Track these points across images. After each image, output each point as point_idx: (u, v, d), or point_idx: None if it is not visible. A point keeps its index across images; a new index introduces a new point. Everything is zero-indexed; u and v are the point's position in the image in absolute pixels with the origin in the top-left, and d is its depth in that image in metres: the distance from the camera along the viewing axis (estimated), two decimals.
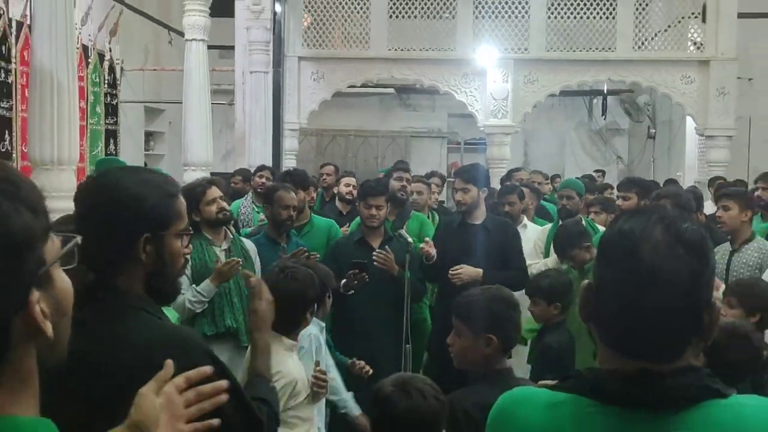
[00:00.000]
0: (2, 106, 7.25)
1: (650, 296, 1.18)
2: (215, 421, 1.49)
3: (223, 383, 1.52)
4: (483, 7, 10.33)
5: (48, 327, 0.92)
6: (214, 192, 4.16)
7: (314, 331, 3.41)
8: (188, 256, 1.92)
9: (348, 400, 3.68)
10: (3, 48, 7.25)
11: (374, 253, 4.56)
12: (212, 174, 6.47)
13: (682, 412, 1.18)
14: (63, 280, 0.99)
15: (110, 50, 9.64)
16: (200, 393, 1.47)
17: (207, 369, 1.51)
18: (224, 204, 4.21)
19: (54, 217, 3.94)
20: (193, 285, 4.01)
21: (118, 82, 9.92)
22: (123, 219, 1.70)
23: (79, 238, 1.04)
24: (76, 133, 4.93)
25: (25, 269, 0.90)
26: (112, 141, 9.89)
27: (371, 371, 3.66)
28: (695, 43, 10.40)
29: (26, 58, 6.71)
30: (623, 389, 1.21)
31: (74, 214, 2.03)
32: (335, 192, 7.33)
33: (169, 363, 1.45)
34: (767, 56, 11.73)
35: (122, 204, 1.72)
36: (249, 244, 4.44)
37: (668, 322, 1.20)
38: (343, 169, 9.32)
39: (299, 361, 2.95)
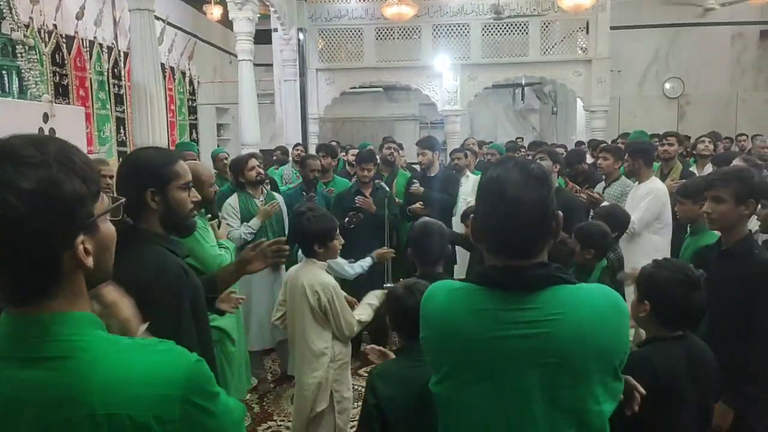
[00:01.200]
0: (118, 110, 7.17)
1: (514, 217, 1.17)
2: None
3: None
4: (439, 30, 10.07)
5: (88, 261, 0.90)
6: (253, 162, 4.11)
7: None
8: (195, 201, 1.79)
9: (355, 268, 3.61)
10: (116, 70, 7.13)
11: (356, 197, 4.53)
12: (261, 151, 6.40)
13: (535, 293, 1.19)
14: (107, 228, 0.96)
15: (189, 69, 9.46)
16: None
17: None
18: (260, 170, 4.16)
19: None
20: (245, 222, 3.99)
21: (196, 91, 9.78)
22: (135, 179, 1.69)
23: (123, 200, 1.02)
24: (164, 125, 4.87)
25: (73, 221, 0.87)
26: (194, 131, 9.79)
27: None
28: (582, 48, 10.14)
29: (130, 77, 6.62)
30: (498, 277, 1.21)
31: None
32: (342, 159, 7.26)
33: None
34: (630, 56, 11.59)
35: (134, 170, 1.71)
36: (278, 197, 4.39)
37: (527, 232, 1.19)
38: (350, 144, 9.21)
39: (328, 273, 2.88)
